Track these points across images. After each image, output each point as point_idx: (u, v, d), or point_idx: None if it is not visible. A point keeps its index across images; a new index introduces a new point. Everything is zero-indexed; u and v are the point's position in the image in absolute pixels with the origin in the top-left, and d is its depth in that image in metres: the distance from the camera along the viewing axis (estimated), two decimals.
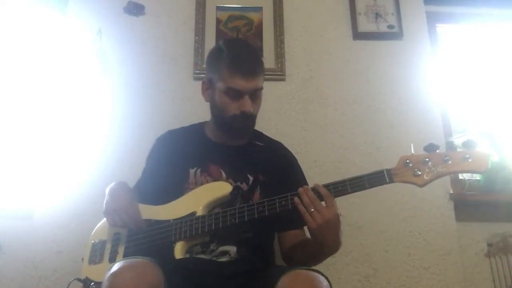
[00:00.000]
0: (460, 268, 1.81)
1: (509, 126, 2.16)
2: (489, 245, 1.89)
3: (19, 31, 2.12)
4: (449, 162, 1.14)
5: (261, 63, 1.40)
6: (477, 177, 1.98)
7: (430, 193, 1.87)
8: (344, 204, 1.82)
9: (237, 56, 1.36)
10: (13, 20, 2.12)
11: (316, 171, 1.88)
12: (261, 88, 1.38)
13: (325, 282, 1.08)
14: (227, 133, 1.42)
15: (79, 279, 1.33)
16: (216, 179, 1.37)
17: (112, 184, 1.41)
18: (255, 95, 1.36)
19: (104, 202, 1.34)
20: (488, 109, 2.21)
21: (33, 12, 2.13)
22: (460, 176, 1.98)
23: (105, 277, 1.06)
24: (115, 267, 1.07)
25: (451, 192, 1.90)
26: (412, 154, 1.18)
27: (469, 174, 1.98)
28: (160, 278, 1.06)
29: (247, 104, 1.33)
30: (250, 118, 1.37)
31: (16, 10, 2.13)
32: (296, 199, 1.18)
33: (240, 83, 1.32)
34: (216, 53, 1.42)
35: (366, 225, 1.85)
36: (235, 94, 1.34)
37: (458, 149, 1.16)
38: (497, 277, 1.85)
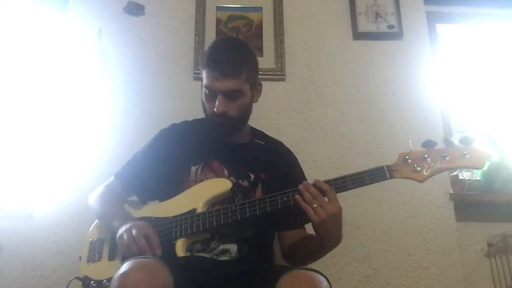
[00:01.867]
0: (460, 268, 1.81)
1: (509, 126, 2.16)
2: (489, 245, 1.89)
3: (19, 30, 2.12)
4: (447, 158, 1.16)
5: (242, 64, 1.35)
6: (477, 177, 1.98)
7: (430, 193, 1.87)
8: (344, 204, 1.80)
9: (214, 56, 1.35)
10: (13, 19, 2.12)
11: (316, 171, 1.88)
12: (238, 90, 1.34)
13: (324, 282, 1.08)
14: (211, 132, 1.42)
15: (78, 278, 1.33)
16: (218, 176, 1.37)
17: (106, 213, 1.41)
18: (232, 96, 1.34)
19: (117, 236, 1.24)
20: (487, 109, 2.21)
21: (33, 11, 2.13)
22: (460, 176, 1.98)
23: (114, 277, 1.03)
24: (125, 267, 1.04)
25: (451, 192, 1.90)
26: (411, 150, 1.19)
27: (469, 174, 1.98)
28: (170, 279, 1.04)
29: (217, 104, 1.32)
30: (225, 118, 1.34)
31: (16, 9, 2.13)
32: (297, 196, 1.18)
33: (212, 83, 1.33)
34: (205, 52, 1.43)
35: (366, 225, 1.85)
36: (210, 93, 1.35)
37: (456, 146, 1.17)
38: (497, 277, 1.85)
